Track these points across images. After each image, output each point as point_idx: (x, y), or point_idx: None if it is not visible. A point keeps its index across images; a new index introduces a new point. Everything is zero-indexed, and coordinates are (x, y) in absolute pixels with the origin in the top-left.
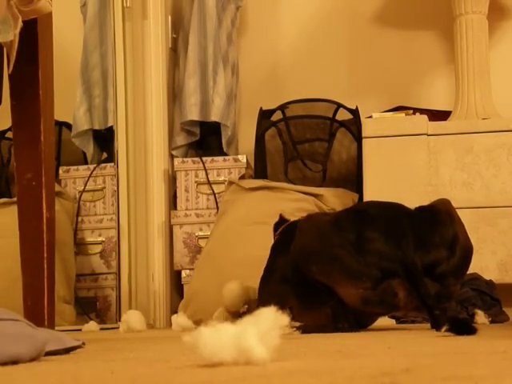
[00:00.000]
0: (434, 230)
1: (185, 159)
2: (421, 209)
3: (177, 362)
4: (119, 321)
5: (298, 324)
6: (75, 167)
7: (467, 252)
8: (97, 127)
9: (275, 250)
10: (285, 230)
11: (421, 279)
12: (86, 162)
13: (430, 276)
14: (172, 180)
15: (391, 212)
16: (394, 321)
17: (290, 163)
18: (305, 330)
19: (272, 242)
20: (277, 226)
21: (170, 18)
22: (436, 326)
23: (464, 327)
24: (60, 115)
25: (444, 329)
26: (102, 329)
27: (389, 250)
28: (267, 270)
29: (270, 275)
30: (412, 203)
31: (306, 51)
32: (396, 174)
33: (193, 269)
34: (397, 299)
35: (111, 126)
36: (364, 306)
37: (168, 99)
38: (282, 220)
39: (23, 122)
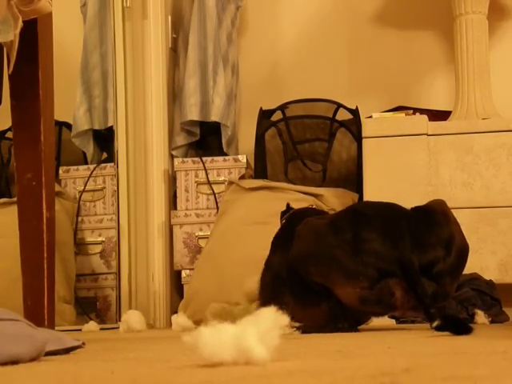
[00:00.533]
0: (431, 230)
1: (185, 159)
2: (417, 209)
3: (177, 362)
4: (119, 321)
5: (297, 324)
6: (75, 167)
7: (463, 251)
8: (97, 127)
9: (276, 243)
10: (289, 219)
11: (418, 279)
12: (86, 162)
13: (427, 276)
14: (172, 180)
15: (388, 212)
16: (394, 321)
17: (290, 163)
18: (305, 330)
19: (273, 237)
20: (283, 215)
21: (170, 18)
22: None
23: (460, 326)
24: (60, 115)
25: (437, 323)
26: (102, 329)
27: (386, 250)
28: (267, 263)
29: (268, 269)
30: (412, 203)
31: (306, 51)
32: (396, 173)
33: (193, 269)
34: (394, 299)
35: (111, 126)
36: (361, 305)
37: (168, 99)
38: (288, 209)
39: (23, 122)
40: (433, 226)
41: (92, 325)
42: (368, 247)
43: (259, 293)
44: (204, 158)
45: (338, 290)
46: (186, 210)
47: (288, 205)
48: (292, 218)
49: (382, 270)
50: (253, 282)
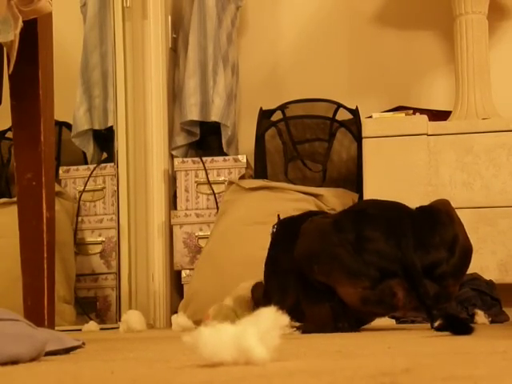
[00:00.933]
0: (434, 231)
1: (185, 159)
2: (421, 209)
3: (177, 362)
4: (119, 321)
5: (298, 324)
6: (75, 167)
7: (467, 253)
8: (97, 127)
9: (274, 245)
10: (283, 224)
11: (420, 279)
12: (86, 162)
13: (430, 277)
14: (172, 180)
15: (392, 212)
16: (394, 321)
17: (290, 163)
18: (305, 329)
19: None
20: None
21: (170, 18)
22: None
23: (461, 326)
24: (60, 115)
25: (438, 323)
26: (102, 329)
27: (388, 249)
28: (272, 263)
29: (275, 268)
30: (412, 203)
31: (306, 51)
32: (396, 174)
33: (193, 269)
34: (395, 299)
35: (111, 126)
36: (363, 305)
37: (168, 99)
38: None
39: (23, 122)
40: (437, 227)
41: (92, 325)
42: (370, 247)
43: (264, 293)
44: (204, 158)
45: (339, 289)
46: (186, 209)
47: (279, 216)
48: (285, 225)
49: (384, 270)
50: (244, 289)
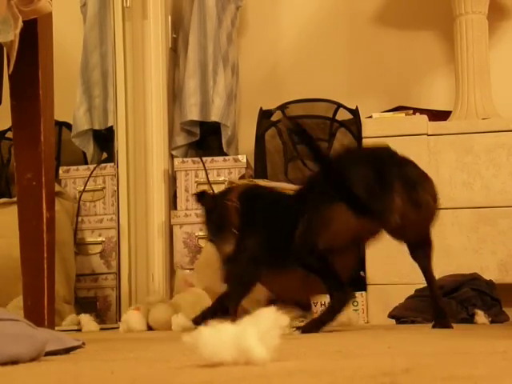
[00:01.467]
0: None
1: (185, 159)
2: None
3: (177, 362)
4: (119, 321)
5: (298, 324)
6: (75, 167)
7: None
8: (97, 127)
9: (244, 227)
10: (244, 201)
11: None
12: (86, 162)
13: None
14: (172, 180)
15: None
16: (394, 321)
17: (289, 163)
18: (305, 329)
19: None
20: (200, 199)
21: (170, 18)
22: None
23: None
24: (60, 115)
25: None
26: (102, 329)
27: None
28: (239, 248)
29: (241, 254)
30: None
31: (306, 51)
32: None
33: (193, 269)
34: (394, 204)
35: (111, 126)
36: (363, 216)
37: (168, 99)
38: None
39: (23, 122)
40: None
41: (92, 325)
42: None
43: (229, 280)
44: (204, 158)
45: (338, 225)
46: (186, 210)
47: (203, 192)
48: (246, 199)
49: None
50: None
